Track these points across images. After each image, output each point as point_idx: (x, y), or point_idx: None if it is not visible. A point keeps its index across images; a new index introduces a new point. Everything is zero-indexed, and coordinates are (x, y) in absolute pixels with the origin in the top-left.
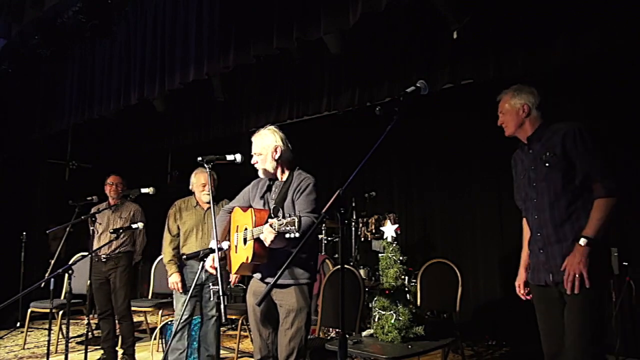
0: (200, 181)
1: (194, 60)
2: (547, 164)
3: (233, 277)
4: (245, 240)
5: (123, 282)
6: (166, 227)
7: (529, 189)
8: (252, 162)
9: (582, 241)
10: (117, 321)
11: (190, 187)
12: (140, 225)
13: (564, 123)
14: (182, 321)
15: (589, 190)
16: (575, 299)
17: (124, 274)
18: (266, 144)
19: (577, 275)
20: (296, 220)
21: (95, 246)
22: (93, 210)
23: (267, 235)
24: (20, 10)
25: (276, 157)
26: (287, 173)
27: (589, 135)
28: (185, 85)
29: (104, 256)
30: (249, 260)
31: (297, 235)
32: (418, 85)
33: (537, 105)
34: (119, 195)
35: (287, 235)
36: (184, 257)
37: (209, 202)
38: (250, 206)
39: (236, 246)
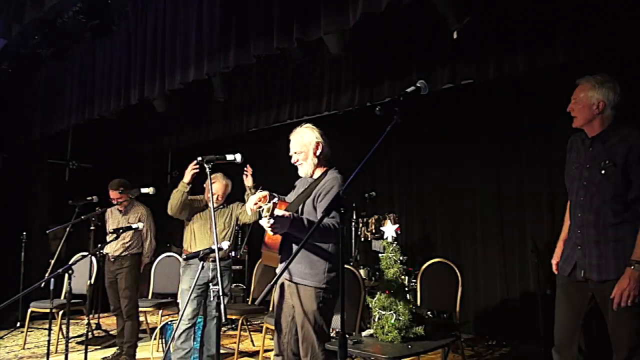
0: (218, 191)
1: (194, 60)
2: (602, 172)
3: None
4: None
5: (128, 283)
6: None
7: (579, 185)
8: (293, 161)
9: (634, 267)
10: (123, 320)
11: (205, 186)
12: (140, 225)
13: (633, 132)
14: (186, 322)
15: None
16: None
17: (130, 275)
18: (307, 141)
19: (627, 299)
20: (270, 206)
21: (106, 247)
22: (108, 212)
23: (263, 222)
24: (21, 11)
25: (318, 154)
26: (321, 171)
27: None
28: (185, 85)
29: (112, 256)
30: (262, 249)
31: (271, 233)
32: (418, 85)
33: (614, 105)
34: (124, 201)
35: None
36: (184, 257)
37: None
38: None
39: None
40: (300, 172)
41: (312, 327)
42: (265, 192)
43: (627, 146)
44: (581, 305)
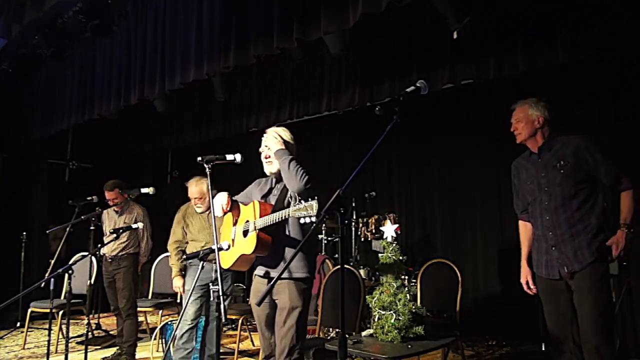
0: (193, 195)
1: (194, 60)
2: (561, 171)
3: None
4: (245, 233)
5: (126, 283)
6: (172, 229)
7: (539, 193)
8: (263, 157)
9: (623, 228)
10: (123, 320)
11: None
12: (140, 225)
13: (572, 136)
14: (189, 322)
15: (597, 194)
16: (587, 291)
17: (127, 274)
18: (284, 141)
19: (618, 250)
20: (314, 204)
21: (104, 248)
22: (104, 213)
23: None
24: (21, 11)
25: None
26: None
27: (598, 145)
28: (185, 85)
29: (109, 257)
30: (252, 252)
31: (314, 219)
32: (418, 85)
33: (549, 120)
34: (120, 203)
35: (301, 221)
36: (184, 257)
37: (202, 212)
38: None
39: (233, 240)
40: (268, 170)
41: (295, 324)
42: (225, 193)
43: (572, 147)
44: (565, 305)
